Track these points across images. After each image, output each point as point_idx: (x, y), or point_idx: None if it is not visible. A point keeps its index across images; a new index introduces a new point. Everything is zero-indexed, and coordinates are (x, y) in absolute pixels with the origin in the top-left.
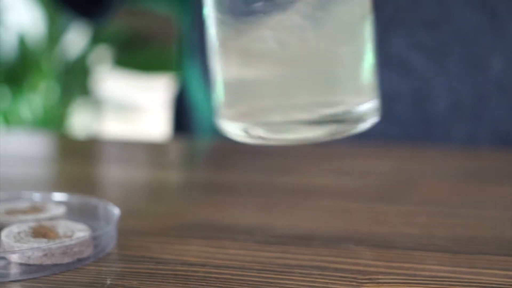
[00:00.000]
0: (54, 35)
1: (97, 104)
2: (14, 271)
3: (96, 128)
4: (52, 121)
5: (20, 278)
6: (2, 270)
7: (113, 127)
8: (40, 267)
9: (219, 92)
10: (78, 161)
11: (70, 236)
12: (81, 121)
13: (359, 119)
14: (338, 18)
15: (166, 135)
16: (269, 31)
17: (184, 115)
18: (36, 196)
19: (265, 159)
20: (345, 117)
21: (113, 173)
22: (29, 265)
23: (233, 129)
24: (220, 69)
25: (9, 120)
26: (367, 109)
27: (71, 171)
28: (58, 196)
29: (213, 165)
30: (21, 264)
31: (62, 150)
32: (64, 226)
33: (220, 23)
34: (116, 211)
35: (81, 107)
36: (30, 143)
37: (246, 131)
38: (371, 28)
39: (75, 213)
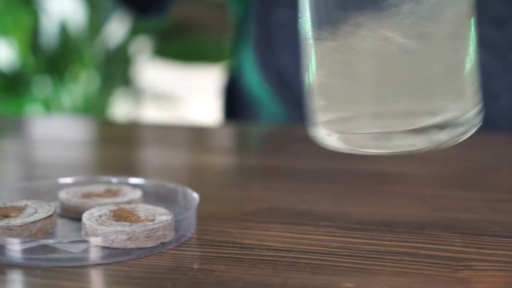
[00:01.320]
0: (95, 24)
1: (137, 93)
2: (97, 254)
3: (136, 117)
4: (93, 111)
5: (103, 261)
6: (84, 254)
7: (153, 116)
8: (124, 251)
9: (315, 98)
10: (131, 146)
11: (153, 220)
12: (121, 111)
13: (466, 125)
14: (446, 22)
15: (210, 123)
16: (371, 39)
17: (236, 102)
18: (111, 179)
19: None
20: (451, 124)
21: (177, 158)
22: (112, 248)
23: (329, 137)
24: (317, 73)
25: (50, 109)
26: (472, 115)
27: (125, 155)
28: (134, 180)
29: (276, 151)
30: (104, 247)
31: (115, 135)
32: (144, 210)
33: (319, 31)
34: (196, 196)
35: (121, 96)
36: (83, 128)
37: (343, 140)
38: (473, 29)
39: (150, 197)
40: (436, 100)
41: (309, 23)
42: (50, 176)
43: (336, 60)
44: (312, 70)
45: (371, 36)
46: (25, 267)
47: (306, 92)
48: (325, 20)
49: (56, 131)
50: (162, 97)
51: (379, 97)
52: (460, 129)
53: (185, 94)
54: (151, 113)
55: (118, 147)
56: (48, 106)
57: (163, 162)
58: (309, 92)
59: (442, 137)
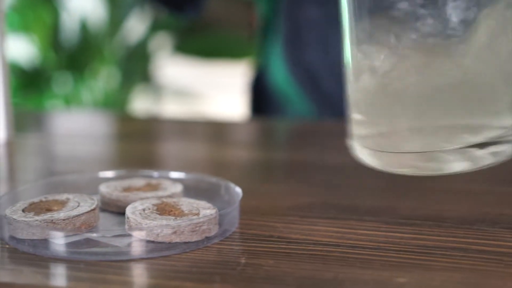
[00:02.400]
0: (115, 20)
1: (157, 89)
2: (141, 248)
3: (156, 113)
4: (113, 107)
5: (148, 255)
6: (129, 248)
7: (173, 112)
8: (169, 245)
9: (352, 109)
10: (155, 140)
11: (197, 214)
12: (141, 107)
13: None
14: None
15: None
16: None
17: (262, 99)
18: (152, 173)
19: None
20: (495, 142)
21: (203, 152)
22: (157, 242)
23: (361, 152)
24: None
25: (71, 105)
26: None
27: (150, 149)
28: (175, 174)
29: (306, 145)
30: (148, 241)
31: (140, 129)
32: (187, 204)
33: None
34: (239, 190)
35: (141, 93)
36: (103, 123)
37: (376, 157)
38: None
39: (190, 191)
40: (479, 116)
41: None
42: (75, 170)
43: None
44: (351, 82)
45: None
46: (69, 261)
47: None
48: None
49: (77, 125)
50: (182, 93)
51: (420, 112)
52: (505, 147)
53: (206, 90)
54: (171, 109)
55: (142, 141)
56: (69, 103)
57: (189, 157)
58: (348, 103)
59: (484, 156)
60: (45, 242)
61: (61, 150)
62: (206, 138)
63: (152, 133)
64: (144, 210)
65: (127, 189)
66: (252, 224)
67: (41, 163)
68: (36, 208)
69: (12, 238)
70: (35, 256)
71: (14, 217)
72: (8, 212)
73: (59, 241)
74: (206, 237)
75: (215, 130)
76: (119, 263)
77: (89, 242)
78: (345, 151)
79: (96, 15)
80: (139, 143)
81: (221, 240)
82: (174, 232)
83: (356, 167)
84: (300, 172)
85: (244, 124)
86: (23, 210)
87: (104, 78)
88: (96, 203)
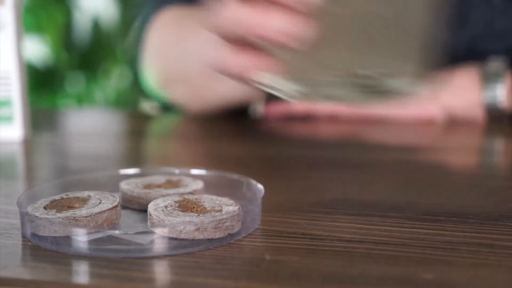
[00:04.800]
0: (127, 19)
1: None
2: (164, 245)
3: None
4: (125, 106)
5: (172, 252)
6: (152, 245)
7: None
8: (192, 242)
9: None
10: (181, 138)
11: (219, 211)
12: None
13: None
14: None
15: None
16: None
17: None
18: (173, 170)
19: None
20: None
21: (220, 148)
22: (180, 239)
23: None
24: None
25: (83, 104)
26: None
27: (172, 147)
28: (195, 171)
29: (325, 142)
30: (171, 238)
31: (160, 126)
32: (209, 200)
33: None
34: (261, 187)
35: None
36: (116, 121)
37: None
38: None
39: (211, 188)
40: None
41: None
42: (91, 167)
43: None
44: None
45: None
46: (92, 258)
47: None
48: None
49: (91, 123)
50: None
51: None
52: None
53: None
54: None
55: (157, 139)
56: (81, 102)
57: (205, 153)
58: None
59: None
60: (67, 239)
61: (76, 148)
62: (222, 135)
63: (166, 131)
64: (166, 207)
65: (147, 186)
66: (274, 220)
67: (58, 161)
68: (57, 205)
69: (34, 235)
70: (57, 253)
71: (36, 214)
72: (30, 209)
73: (81, 238)
74: (229, 234)
75: (231, 127)
76: (142, 260)
77: (111, 239)
78: (364, 148)
79: (108, 14)
80: (154, 140)
81: (244, 237)
82: (197, 229)
83: (377, 163)
84: (321, 168)
85: (261, 121)
86: (45, 208)
87: (116, 77)
88: (118, 200)
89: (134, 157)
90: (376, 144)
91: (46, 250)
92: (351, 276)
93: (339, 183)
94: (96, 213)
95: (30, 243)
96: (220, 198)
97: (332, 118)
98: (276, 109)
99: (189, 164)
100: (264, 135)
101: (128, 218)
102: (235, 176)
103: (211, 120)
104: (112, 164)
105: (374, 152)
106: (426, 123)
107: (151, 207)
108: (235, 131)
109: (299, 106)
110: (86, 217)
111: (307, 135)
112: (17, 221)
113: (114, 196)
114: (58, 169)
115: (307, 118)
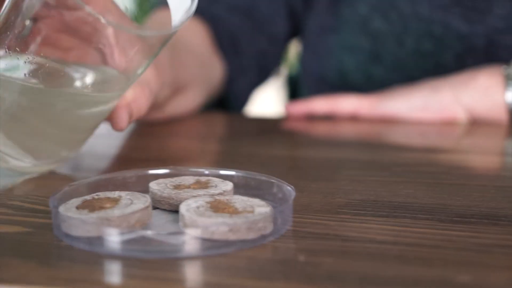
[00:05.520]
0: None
1: None
2: (197, 246)
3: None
4: None
5: (205, 253)
6: (184, 245)
7: None
8: (225, 243)
9: None
10: (206, 137)
11: (252, 212)
12: None
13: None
14: None
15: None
16: None
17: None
18: (201, 171)
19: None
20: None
21: (247, 148)
22: (213, 240)
23: None
24: None
25: None
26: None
27: (196, 146)
28: (224, 171)
29: (350, 143)
30: (204, 239)
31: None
32: (240, 201)
33: None
34: (291, 188)
35: None
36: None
37: None
38: None
39: (240, 188)
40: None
41: None
42: (115, 168)
43: None
44: None
45: None
46: (124, 258)
47: None
48: None
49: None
50: None
51: None
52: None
53: None
54: None
55: (181, 138)
56: None
57: (230, 153)
58: None
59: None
60: (99, 239)
61: (99, 148)
62: (247, 135)
63: (190, 130)
64: (198, 207)
65: (177, 187)
66: (305, 222)
67: (83, 161)
68: (89, 205)
69: (67, 235)
70: (90, 253)
71: (69, 214)
72: (62, 209)
73: (114, 239)
74: (262, 235)
75: (256, 126)
76: (175, 260)
77: (143, 239)
78: (388, 148)
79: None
80: (176, 140)
81: (276, 238)
82: (230, 230)
83: (402, 164)
84: (347, 169)
85: (284, 120)
86: (77, 208)
87: None
88: (149, 200)
89: (157, 156)
90: (399, 145)
91: (78, 250)
92: (387, 278)
93: (367, 185)
94: (129, 214)
95: (62, 243)
96: (251, 199)
97: (353, 118)
98: (297, 108)
99: (214, 164)
100: (286, 135)
101: (158, 219)
102: (263, 177)
103: (231, 120)
104: (135, 164)
105: (398, 153)
106: (448, 124)
107: (183, 208)
108: (258, 131)
109: (320, 105)
110: (118, 217)
111: (328, 135)
112: (48, 221)
113: (145, 196)
114: (85, 169)
115: (328, 117)
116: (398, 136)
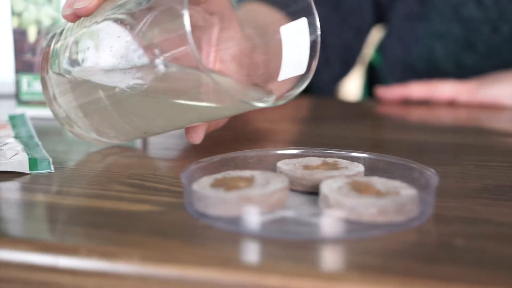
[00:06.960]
0: None
1: None
2: (343, 227)
3: None
4: None
5: (351, 235)
6: (330, 227)
7: None
8: (371, 225)
9: None
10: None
11: (397, 194)
12: None
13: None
14: None
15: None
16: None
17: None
18: (327, 152)
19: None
20: None
21: (354, 131)
22: (358, 222)
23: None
24: None
25: None
26: None
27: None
28: (354, 153)
29: (474, 128)
30: (348, 220)
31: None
32: (380, 183)
33: None
34: (433, 171)
35: None
36: None
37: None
38: None
39: (366, 171)
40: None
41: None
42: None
43: None
44: None
45: None
46: (264, 239)
47: None
48: None
49: None
50: None
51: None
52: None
53: None
54: None
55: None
56: None
57: (328, 135)
58: None
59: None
60: (237, 219)
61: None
62: (341, 118)
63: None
64: (339, 188)
65: (306, 167)
66: (448, 206)
67: (167, 141)
68: (223, 184)
69: (201, 214)
70: (227, 233)
71: (207, 193)
72: (196, 187)
73: (253, 219)
74: (409, 219)
75: (337, 109)
76: (318, 242)
77: (283, 220)
78: (493, 133)
79: None
80: (265, 122)
81: (423, 222)
82: (379, 212)
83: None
84: (464, 155)
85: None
86: (212, 186)
87: None
88: (287, 180)
89: (246, 137)
90: (504, 130)
91: (215, 229)
92: None
93: (493, 170)
94: (269, 193)
95: (199, 222)
96: (390, 181)
97: (450, 104)
98: (393, 92)
99: (317, 145)
100: (383, 119)
101: (293, 200)
102: (393, 159)
103: (318, 103)
104: (228, 144)
105: (506, 139)
106: None
107: (325, 189)
108: (357, 114)
109: (417, 90)
110: (259, 196)
111: (426, 120)
112: (175, 200)
113: (280, 176)
114: (171, 149)
115: (424, 102)
116: (501, 122)
